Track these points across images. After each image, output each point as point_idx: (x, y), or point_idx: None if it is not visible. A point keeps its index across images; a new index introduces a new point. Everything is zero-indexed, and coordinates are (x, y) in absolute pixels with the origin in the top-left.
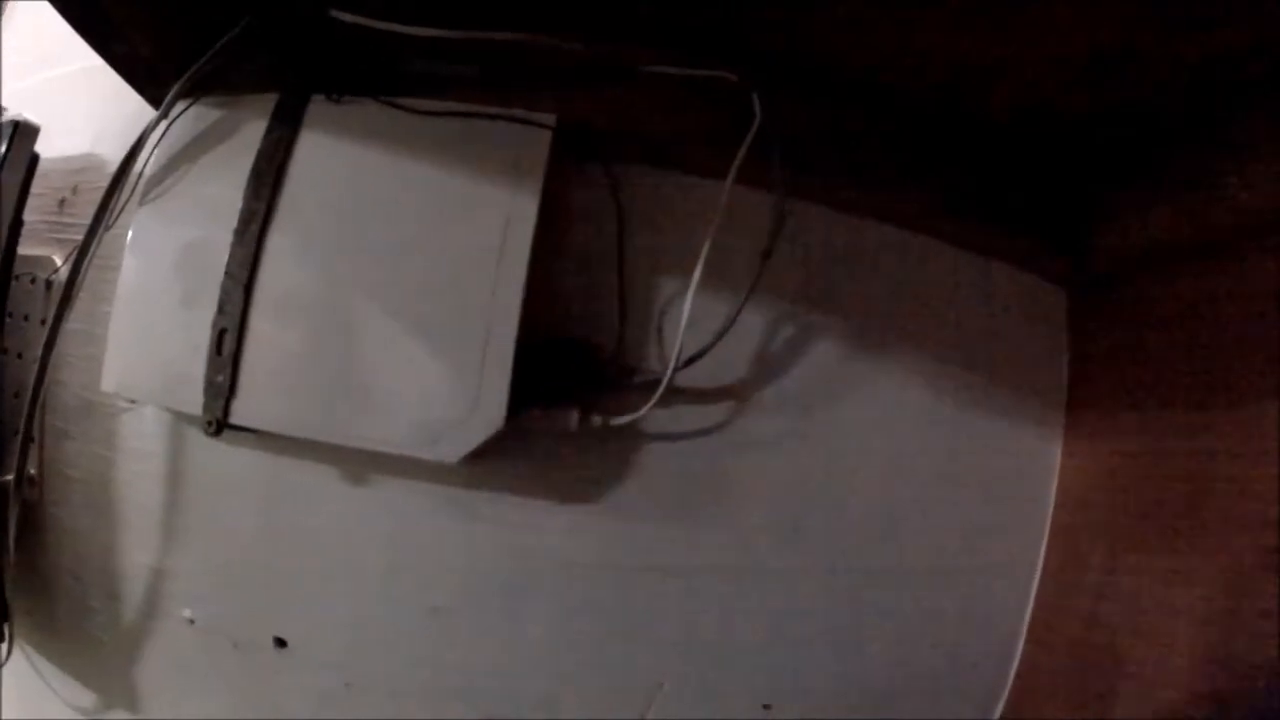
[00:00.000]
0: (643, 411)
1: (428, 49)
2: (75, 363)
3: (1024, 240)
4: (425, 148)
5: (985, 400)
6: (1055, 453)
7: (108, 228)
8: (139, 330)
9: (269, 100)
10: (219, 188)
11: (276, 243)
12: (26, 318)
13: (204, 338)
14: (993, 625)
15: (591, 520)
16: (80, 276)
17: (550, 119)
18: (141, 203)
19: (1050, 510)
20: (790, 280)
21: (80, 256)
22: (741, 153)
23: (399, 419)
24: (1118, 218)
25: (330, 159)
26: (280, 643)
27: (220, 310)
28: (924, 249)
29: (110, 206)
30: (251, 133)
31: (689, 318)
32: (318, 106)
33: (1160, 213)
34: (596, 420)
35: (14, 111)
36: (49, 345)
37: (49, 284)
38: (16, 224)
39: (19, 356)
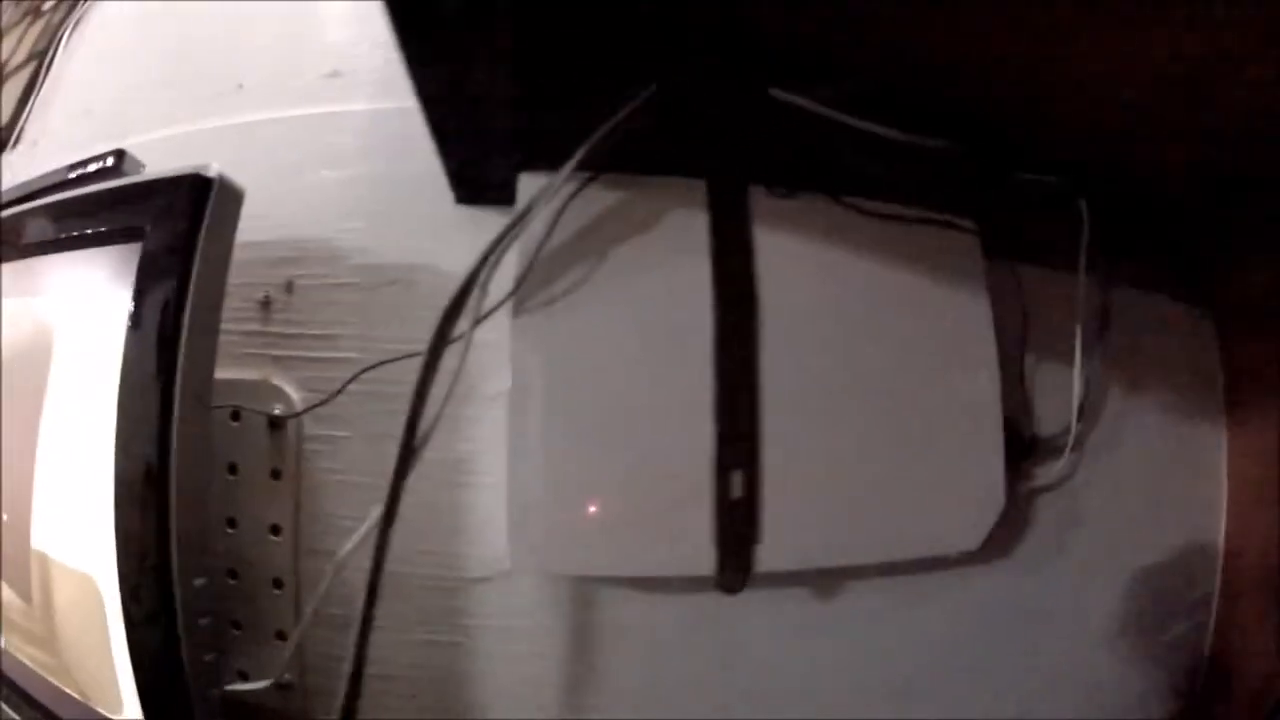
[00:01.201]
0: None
1: (861, 145)
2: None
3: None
4: (877, 248)
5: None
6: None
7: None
8: (556, 487)
9: (679, 185)
10: (654, 288)
11: (770, 357)
12: (234, 469)
13: (692, 478)
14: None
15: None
16: (426, 421)
17: (970, 224)
18: (519, 310)
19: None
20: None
21: (423, 383)
22: (1083, 253)
23: (916, 521)
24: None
25: (791, 254)
26: None
27: (724, 440)
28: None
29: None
30: (689, 222)
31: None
32: (759, 199)
33: None
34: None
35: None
36: (389, 516)
37: (274, 422)
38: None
39: (230, 525)
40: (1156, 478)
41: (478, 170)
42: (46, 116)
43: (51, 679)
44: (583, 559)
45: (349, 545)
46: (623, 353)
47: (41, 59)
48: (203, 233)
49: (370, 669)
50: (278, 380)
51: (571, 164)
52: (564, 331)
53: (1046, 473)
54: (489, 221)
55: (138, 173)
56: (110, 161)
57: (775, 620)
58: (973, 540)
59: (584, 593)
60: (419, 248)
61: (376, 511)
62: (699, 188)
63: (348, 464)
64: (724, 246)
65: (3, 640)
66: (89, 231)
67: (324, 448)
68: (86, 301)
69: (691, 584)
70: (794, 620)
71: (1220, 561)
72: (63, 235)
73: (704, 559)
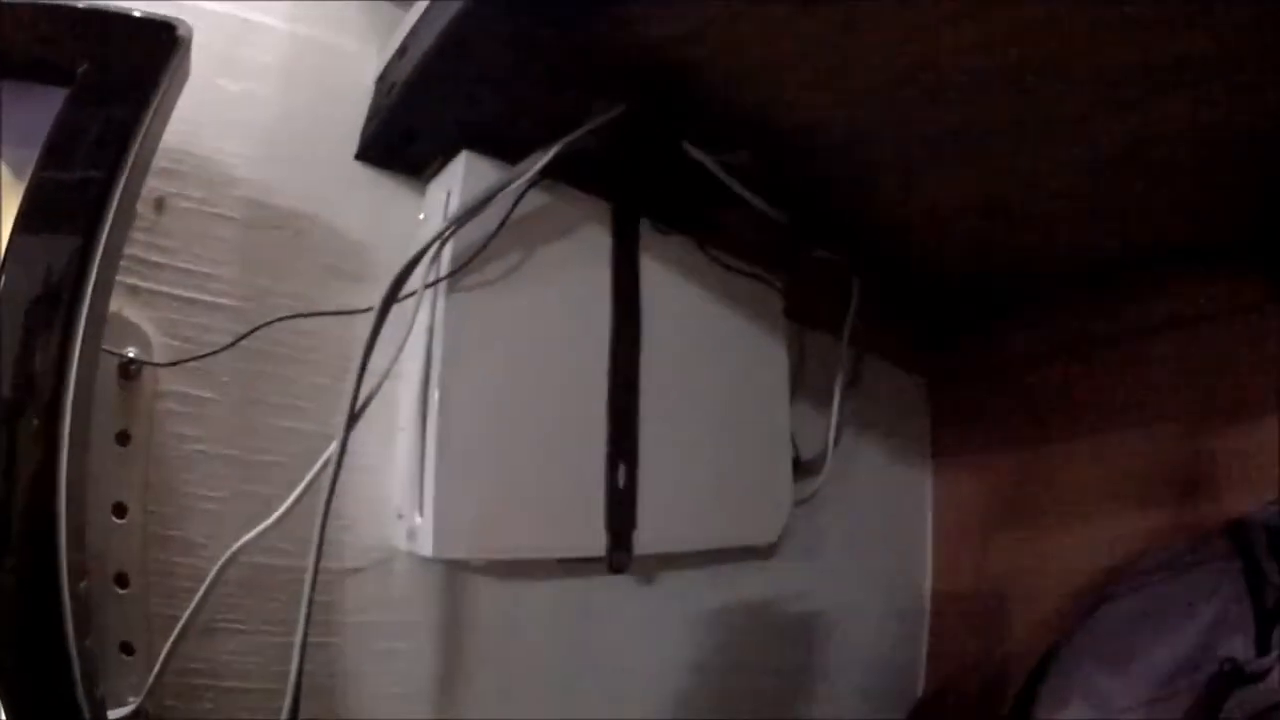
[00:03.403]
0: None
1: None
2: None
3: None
4: (719, 291)
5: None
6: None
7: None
8: (474, 469)
9: (590, 203)
10: (568, 289)
11: (647, 365)
12: None
13: (590, 470)
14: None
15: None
16: (357, 405)
17: (779, 283)
18: (451, 287)
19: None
20: None
21: (371, 343)
22: (848, 322)
23: (737, 517)
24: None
25: (662, 283)
26: None
27: (616, 438)
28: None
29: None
30: (596, 237)
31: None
32: (646, 229)
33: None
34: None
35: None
36: (327, 509)
37: (126, 371)
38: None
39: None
40: (878, 503)
41: (408, 137)
42: None
43: None
44: (499, 543)
45: (252, 534)
46: (539, 348)
47: None
48: (154, 103)
49: (226, 681)
50: (134, 315)
51: (539, 164)
52: (493, 319)
53: (803, 489)
54: (385, 185)
55: None
56: None
57: (615, 603)
58: (772, 534)
59: (452, 581)
60: (312, 195)
61: (296, 492)
62: (605, 209)
63: (209, 432)
64: (620, 267)
65: None
66: None
67: (181, 409)
68: None
69: (545, 569)
70: (631, 602)
71: (928, 587)
72: None
73: (598, 541)
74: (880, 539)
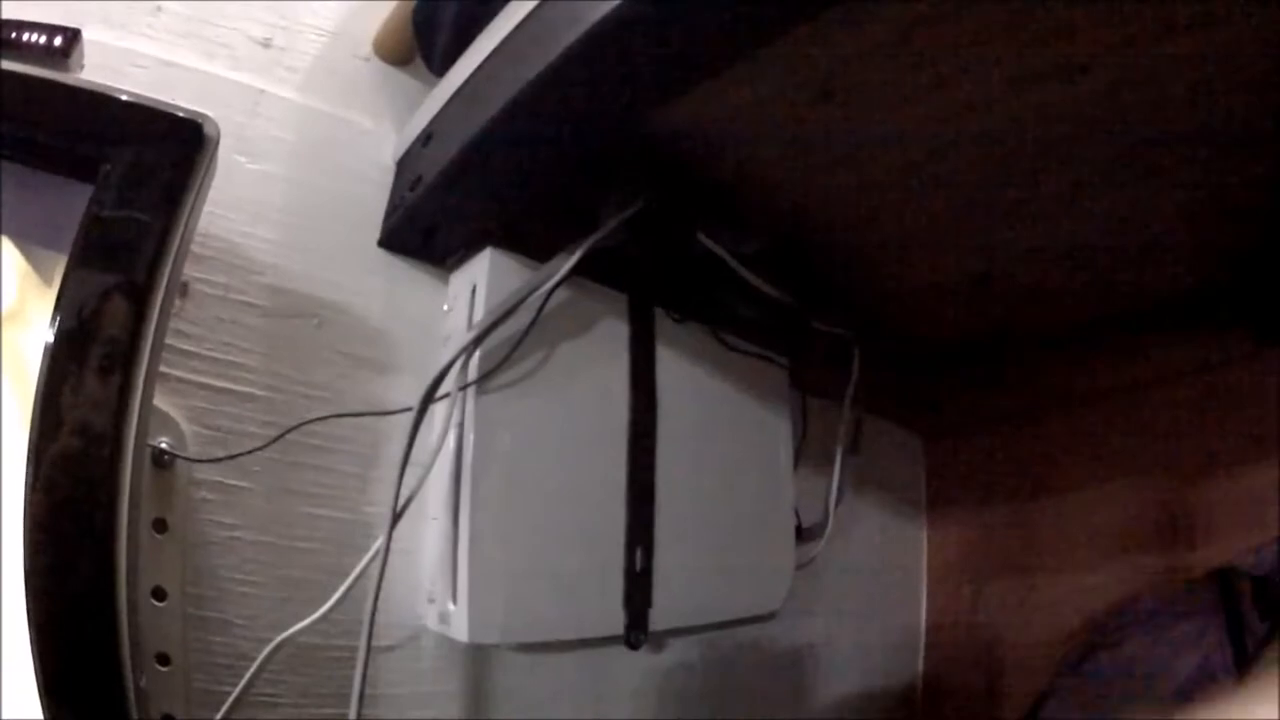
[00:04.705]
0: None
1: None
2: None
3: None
4: (729, 373)
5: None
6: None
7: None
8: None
9: (607, 295)
10: (590, 383)
11: (662, 447)
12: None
13: (609, 554)
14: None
15: None
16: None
17: (785, 362)
18: (481, 386)
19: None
20: None
21: (411, 441)
22: (850, 389)
23: (743, 589)
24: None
25: (676, 368)
26: None
27: (633, 523)
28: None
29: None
30: (614, 328)
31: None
32: (661, 319)
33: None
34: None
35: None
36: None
37: (160, 460)
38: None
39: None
40: (874, 558)
41: (432, 230)
42: None
43: None
44: (529, 626)
45: (305, 623)
46: (563, 438)
47: None
48: (186, 207)
49: None
50: (164, 404)
51: (568, 265)
52: (520, 414)
53: (804, 554)
54: (408, 274)
55: (81, 69)
56: (58, 41)
57: (630, 672)
58: (776, 602)
59: (478, 657)
60: (335, 283)
61: (346, 583)
62: (621, 300)
63: (245, 519)
64: (638, 356)
65: None
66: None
67: (216, 497)
68: None
69: (565, 644)
70: (643, 669)
71: (923, 634)
72: None
73: (616, 621)
74: (877, 591)
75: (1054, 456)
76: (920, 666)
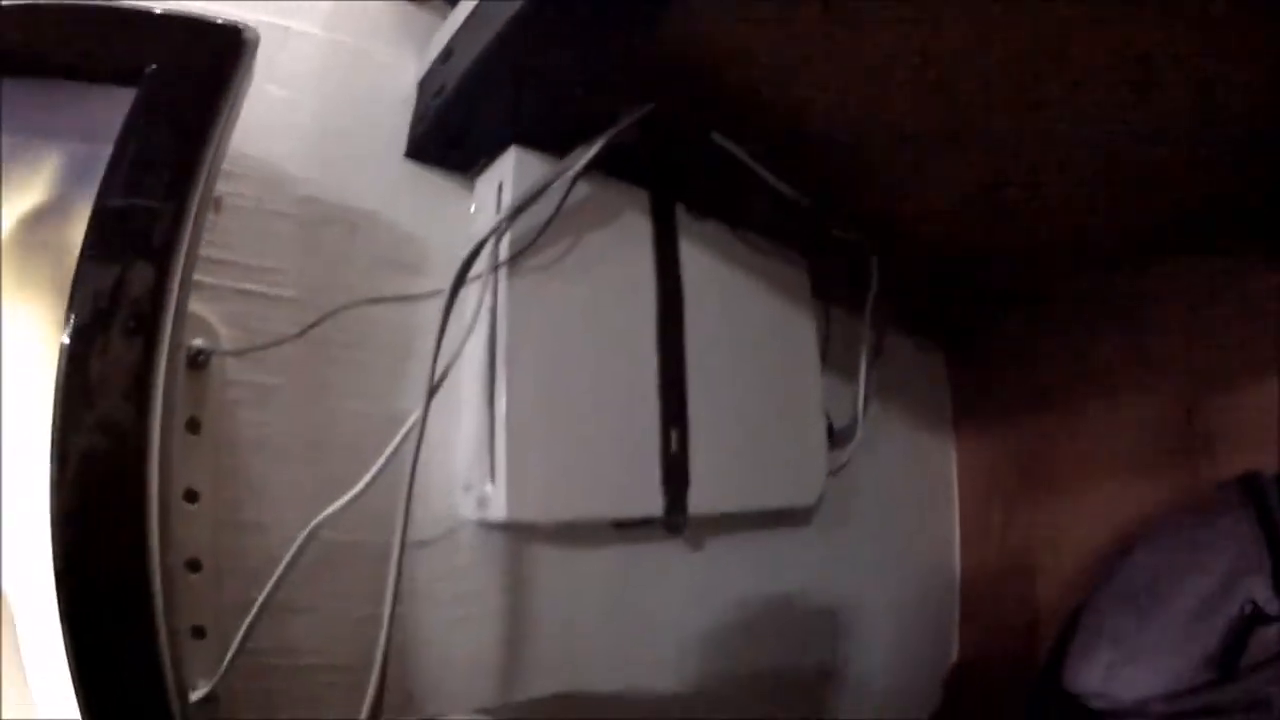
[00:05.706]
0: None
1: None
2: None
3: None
4: (752, 271)
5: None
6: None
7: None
8: (540, 439)
9: (629, 190)
10: (616, 272)
11: (690, 338)
12: None
13: (645, 436)
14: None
15: None
16: (435, 382)
17: (805, 263)
18: (511, 271)
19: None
20: None
21: (445, 322)
22: (869, 300)
23: (779, 480)
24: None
25: (700, 264)
26: None
27: (667, 406)
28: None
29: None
30: (637, 223)
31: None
32: (682, 215)
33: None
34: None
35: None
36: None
37: (195, 360)
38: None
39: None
40: (904, 471)
41: (458, 135)
42: None
43: None
44: (566, 506)
45: (335, 506)
46: (593, 325)
47: None
48: (227, 105)
49: (300, 659)
50: (200, 310)
51: (587, 157)
52: (550, 299)
53: (836, 459)
54: (434, 184)
55: None
56: None
57: (666, 568)
58: (811, 496)
59: (515, 549)
60: (363, 193)
61: (381, 459)
62: (642, 197)
63: (277, 416)
64: (661, 249)
65: None
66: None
67: (248, 395)
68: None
69: (601, 537)
70: (681, 567)
71: (957, 550)
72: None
73: (655, 502)
74: (909, 505)
75: (1074, 374)
76: (957, 583)
